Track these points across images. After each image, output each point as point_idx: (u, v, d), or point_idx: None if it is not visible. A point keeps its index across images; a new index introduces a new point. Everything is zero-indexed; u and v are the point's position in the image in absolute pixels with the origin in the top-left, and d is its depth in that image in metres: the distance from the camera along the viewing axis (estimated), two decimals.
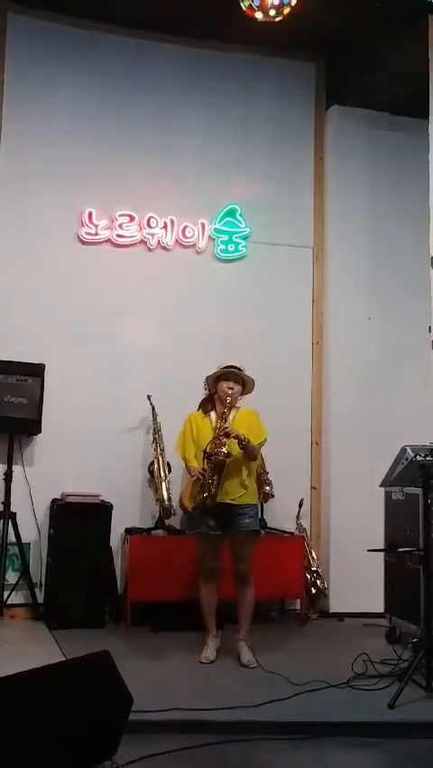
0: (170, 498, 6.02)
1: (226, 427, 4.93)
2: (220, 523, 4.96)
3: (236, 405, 5.14)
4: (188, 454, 5.09)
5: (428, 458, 4.86)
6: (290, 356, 6.83)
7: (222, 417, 5.02)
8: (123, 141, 6.62)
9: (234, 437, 4.89)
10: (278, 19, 5.32)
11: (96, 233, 6.49)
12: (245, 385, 5.16)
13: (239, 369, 5.15)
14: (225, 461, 4.88)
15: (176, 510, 6.14)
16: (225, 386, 5.08)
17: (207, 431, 5.04)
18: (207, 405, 5.23)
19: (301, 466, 6.75)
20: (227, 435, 4.88)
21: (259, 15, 5.32)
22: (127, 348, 6.50)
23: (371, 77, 6.67)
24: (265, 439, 5.13)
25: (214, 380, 5.18)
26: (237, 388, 5.10)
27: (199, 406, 5.28)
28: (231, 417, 5.06)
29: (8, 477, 5.97)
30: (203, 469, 4.91)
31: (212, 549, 5.05)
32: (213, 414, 5.14)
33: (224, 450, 4.85)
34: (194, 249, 6.72)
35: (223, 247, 6.77)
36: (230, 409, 5.06)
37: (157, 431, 6.24)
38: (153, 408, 6.28)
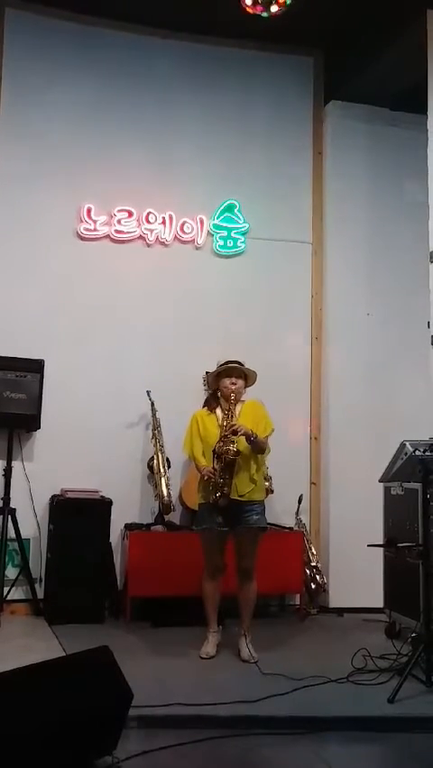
0: (169, 494, 6.02)
1: (234, 425, 4.90)
2: (228, 519, 4.95)
3: (241, 398, 5.14)
4: (196, 453, 5.07)
5: (427, 453, 4.86)
6: (289, 352, 6.83)
7: (228, 414, 5.00)
8: (121, 136, 6.62)
9: (243, 434, 4.88)
10: (274, 10, 5.33)
11: (95, 229, 6.49)
12: (247, 378, 5.16)
13: (239, 363, 5.14)
14: (235, 459, 4.87)
15: (175, 506, 6.15)
16: (228, 381, 5.07)
17: (214, 428, 5.02)
18: (211, 402, 5.22)
19: (300, 462, 6.76)
20: (235, 433, 4.86)
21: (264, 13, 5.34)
22: (126, 344, 6.50)
23: (369, 72, 6.64)
24: (273, 429, 5.12)
25: (215, 377, 5.17)
26: (240, 382, 5.10)
27: (204, 404, 5.28)
28: (237, 412, 5.04)
29: (8, 473, 5.97)
30: (214, 468, 4.90)
31: (218, 545, 5.04)
32: (218, 410, 5.12)
33: (233, 448, 4.83)
34: (193, 244, 6.72)
35: (222, 242, 6.76)
36: (235, 405, 5.05)
37: (156, 426, 6.24)
38: (153, 404, 6.29)
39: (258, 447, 4.98)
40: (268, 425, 5.10)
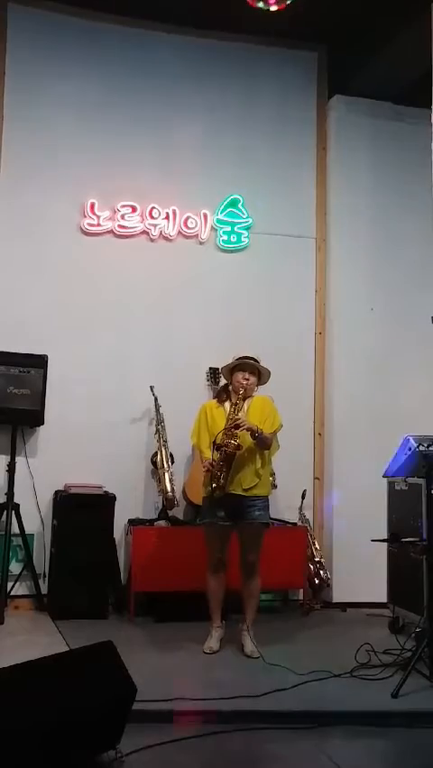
0: (173, 489, 6.01)
1: (238, 419, 4.90)
2: (230, 514, 4.95)
3: (251, 394, 5.14)
4: (203, 445, 5.08)
5: (431, 448, 4.86)
6: (293, 347, 6.81)
7: (235, 408, 5.00)
8: (125, 131, 6.61)
9: (247, 429, 4.88)
10: (274, 9, 5.32)
11: (99, 224, 6.48)
12: (260, 375, 5.16)
13: (255, 359, 5.14)
14: (235, 453, 4.87)
15: (179, 501, 6.15)
16: (241, 376, 5.08)
17: (222, 420, 5.01)
18: (222, 394, 5.24)
19: (304, 457, 6.76)
20: (237, 427, 4.86)
21: (261, 5, 5.32)
22: (130, 339, 6.50)
23: (373, 66, 6.64)
24: (281, 425, 5.11)
25: (229, 371, 5.18)
26: (253, 379, 5.10)
27: (215, 396, 5.29)
28: (245, 407, 5.05)
29: (11, 468, 5.97)
30: (212, 460, 4.91)
31: (220, 540, 5.04)
32: (227, 404, 5.12)
33: (233, 442, 4.83)
34: (196, 239, 6.71)
35: (225, 237, 6.76)
36: (244, 399, 5.04)
37: (160, 422, 6.24)
38: (156, 399, 6.28)
39: (263, 443, 4.98)
40: (276, 422, 5.09)
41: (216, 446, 4.88)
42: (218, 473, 4.86)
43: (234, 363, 5.15)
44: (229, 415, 4.99)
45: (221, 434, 4.90)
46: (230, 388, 5.19)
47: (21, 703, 2.94)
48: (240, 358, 5.15)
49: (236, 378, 5.10)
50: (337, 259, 6.95)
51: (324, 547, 6.56)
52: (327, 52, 7.11)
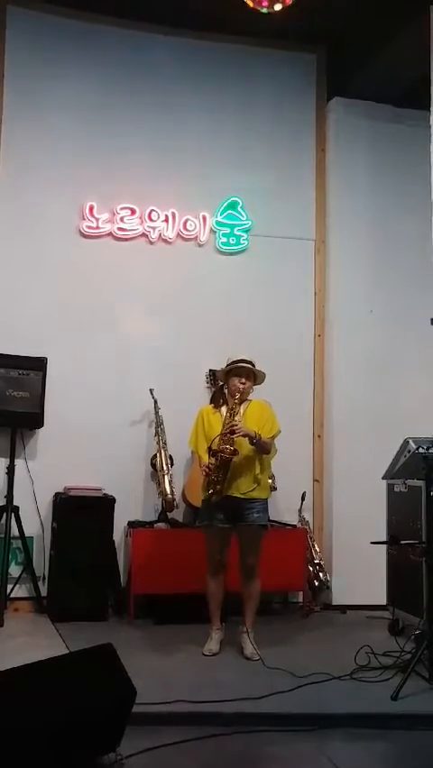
0: (172, 492, 6.01)
1: (234, 424, 4.90)
2: (229, 516, 4.95)
3: (247, 397, 5.14)
4: (201, 450, 5.07)
5: (430, 450, 4.86)
6: (292, 349, 6.81)
7: (231, 413, 4.99)
8: (124, 134, 6.60)
9: (243, 435, 4.87)
10: (278, 8, 5.32)
11: (98, 227, 6.48)
12: (256, 378, 5.15)
13: (250, 363, 5.13)
14: (231, 459, 4.86)
15: (178, 503, 6.14)
16: (237, 381, 5.06)
17: (218, 425, 5.01)
18: (217, 399, 5.23)
19: (304, 459, 6.75)
20: (233, 433, 4.86)
21: (264, 10, 5.32)
22: (129, 342, 6.49)
23: (372, 68, 6.63)
24: (279, 431, 5.11)
25: (224, 374, 5.17)
26: (249, 383, 5.09)
27: (211, 400, 5.28)
28: (242, 411, 5.04)
29: (11, 471, 5.97)
30: (209, 465, 4.90)
31: (220, 542, 5.04)
32: (224, 408, 5.11)
33: (230, 447, 4.83)
34: (195, 242, 6.71)
35: (224, 240, 6.75)
36: (240, 403, 5.04)
37: (159, 424, 6.23)
38: (155, 402, 6.28)
39: (262, 448, 4.98)
40: (274, 426, 5.09)
41: (212, 452, 4.88)
42: (215, 478, 4.86)
43: (229, 368, 5.15)
44: (226, 419, 4.99)
45: (217, 438, 4.89)
46: (225, 390, 5.19)
47: (20, 706, 2.94)
48: (235, 362, 5.14)
49: (232, 382, 5.09)
50: (337, 261, 6.95)
51: (323, 549, 6.56)
52: (325, 54, 7.11)
